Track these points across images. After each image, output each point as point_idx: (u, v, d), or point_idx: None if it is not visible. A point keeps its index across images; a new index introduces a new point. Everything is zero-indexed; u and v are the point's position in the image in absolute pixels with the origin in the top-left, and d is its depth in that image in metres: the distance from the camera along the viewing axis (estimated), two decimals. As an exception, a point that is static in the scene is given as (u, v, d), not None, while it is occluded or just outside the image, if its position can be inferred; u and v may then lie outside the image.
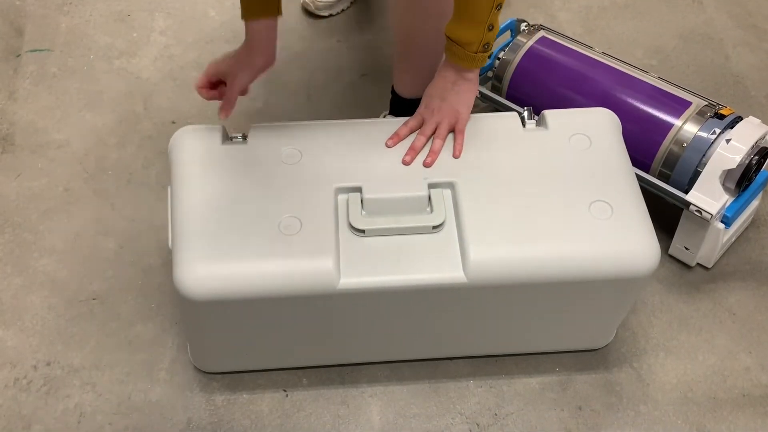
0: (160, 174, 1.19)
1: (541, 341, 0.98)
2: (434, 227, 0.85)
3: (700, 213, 0.99)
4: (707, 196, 0.99)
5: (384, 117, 1.17)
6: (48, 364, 0.98)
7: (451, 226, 0.86)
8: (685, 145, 1.01)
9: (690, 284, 1.08)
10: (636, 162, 1.01)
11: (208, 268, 0.81)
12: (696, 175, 1.01)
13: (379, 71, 1.36)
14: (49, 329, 1.01)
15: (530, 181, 0.89)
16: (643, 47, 1.40)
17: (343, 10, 1.44)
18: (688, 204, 1.01)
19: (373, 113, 1.29)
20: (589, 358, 1.00)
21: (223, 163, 0.89)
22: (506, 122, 0.95)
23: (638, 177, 1.02)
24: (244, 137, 0.92)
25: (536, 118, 0.95)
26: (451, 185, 0.88)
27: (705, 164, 1.00)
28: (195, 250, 0.82)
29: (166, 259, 1.08)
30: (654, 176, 1.05)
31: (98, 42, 1.39)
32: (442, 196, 0.87)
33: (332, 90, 1.33)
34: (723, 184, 0.99)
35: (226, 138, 0.92)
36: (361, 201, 0.86)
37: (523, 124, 0.95)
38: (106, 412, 0.94)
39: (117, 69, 1.35)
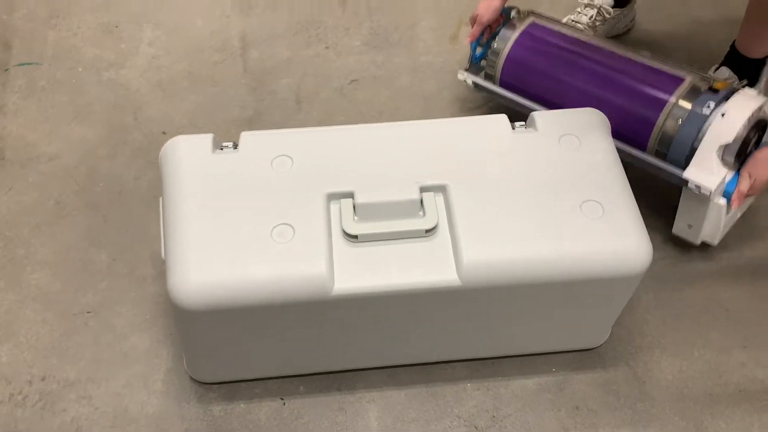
0: (152, 184, 1.19)
1: (537, 342, 0.98)
2: (427, 231, 0.85)
3: (699, 189, 0.98)
4: (705, 171, 0.97)
5: (713, 70, 1.22)
6: (43, 378, 0.98)
7: (443, 229, 0.86)
8: (680, 121, 1.00)
9: (683, 280, 1.08)
10: (632, 143, 1.00)
11: (201, 278, 0.81)
12: (693, 152, 0.99)
13: (368, 76, 1.36)
14: (43, 344, 1.01)
15: (521, 182, 0.89)
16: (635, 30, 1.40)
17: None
18: (686, 181, 0.99)
19: (363, 118, 1.29)
20: (585, 358, 1.00)
21: (215, 172, 0.89)
22: (496, 124, 0.95)
23: (634, 157, 1.00)
24: (235, 145, 0.92)
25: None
26: (442, 188, 0.88)
27: (701, 140, 0.98)
28: (188, 259, 0.82)
29: (160, 270, 1.08)
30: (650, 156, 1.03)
31: (86, 54, 1.39)
32: (434, 200, 0.87)
33: (322, 96, 1.33)
34: (722, 159, 0.97)
35: (217, 147, 0.92)
36: (353, 206, 0.86)
37: (512, 126, 0.95)
38: (103, 425, 0.94)
39: (106, 81, 1.35)
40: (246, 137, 0.93)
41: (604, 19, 1.34)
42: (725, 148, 0.96)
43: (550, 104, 1.10)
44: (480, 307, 0.88)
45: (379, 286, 0.83)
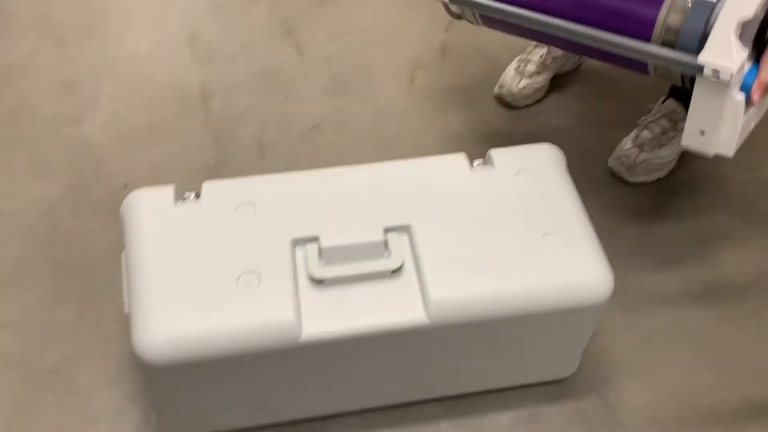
0: (115, 239, 1.17)
1: (508, 376, 0.98)
2: (393, 271, 0.86)
3: (717, 74, 0.85)
4: (723, 53, 0.85)
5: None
6: (6, 444, 0.95)
7: (409, 268, 0.87)
8: (689, 5, 0.89)
9: (647, 306, 1.10)
10: (635, 36, 0.91)
11: (166, 332, 0.80)
12: (705, 39, 0.87)
13: (329, 122, 1.38)
14: (5, 408, 0.98)
15: (483, 218, 0.90)
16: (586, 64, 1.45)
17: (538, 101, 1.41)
18: (700, 68, 0.86)
19: (326, 163, 1.30)
20: (556, 389, 1.01)
21: (177, 223, 0.89)
22: (455, 163, 0.97)
23: (639, 52, 0.92)
24: (197, 195, 0.92)
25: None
26: (406, 228, 0.89)
27: (713, 26, 0.86)
28: (152, 313, 0.81)
29: (125, 326, 1.06)
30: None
31: (44, 111, 1.38)
32: (399, 240, 0.88)
33: (284, 143, 1.34)
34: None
35: (179, 197, 0.92)
36: (319, 250, 0.87)
37: (471, 163, 0.97)
38: (70, 489, 0.91)
39: (65, 137, 1.34)
40: (208, 186, 0.93)
41: (555, 56, 1.39)
42: (741, 33, 0.85)
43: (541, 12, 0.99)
44: (449, 344, 0.88)
45: (348, 329, 0.83)
